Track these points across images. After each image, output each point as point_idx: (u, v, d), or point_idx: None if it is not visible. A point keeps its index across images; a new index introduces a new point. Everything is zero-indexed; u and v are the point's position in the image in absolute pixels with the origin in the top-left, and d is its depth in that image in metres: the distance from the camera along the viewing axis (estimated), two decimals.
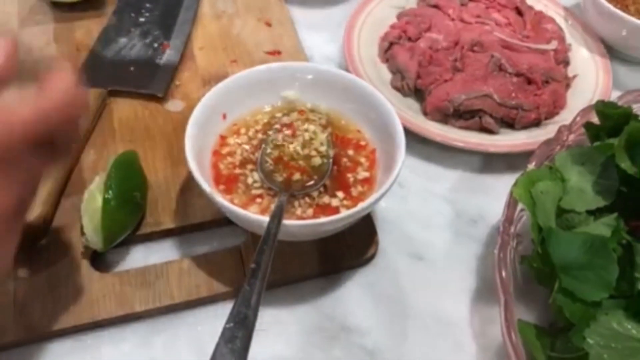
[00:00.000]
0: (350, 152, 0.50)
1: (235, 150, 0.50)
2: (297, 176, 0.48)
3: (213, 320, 0.46)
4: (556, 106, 0.61)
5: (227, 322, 0.33)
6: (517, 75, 0.60)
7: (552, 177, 0.46)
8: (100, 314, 0.44)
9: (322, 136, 0.50)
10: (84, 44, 0.63)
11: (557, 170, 0.47)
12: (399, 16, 0.69)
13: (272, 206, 0.46)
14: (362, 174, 0.49)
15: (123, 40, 0.63)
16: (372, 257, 0.50)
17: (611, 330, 0.39)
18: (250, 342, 0.33)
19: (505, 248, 0.43)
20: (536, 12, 0.69)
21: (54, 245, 0.47)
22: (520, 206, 0.46)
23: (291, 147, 0.49)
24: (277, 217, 0.41)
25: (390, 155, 0.47)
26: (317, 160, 0.49)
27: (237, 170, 0.48)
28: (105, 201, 0.45)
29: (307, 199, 0.47)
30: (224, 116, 0.50)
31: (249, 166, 0.49)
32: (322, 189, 0.48)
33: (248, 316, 0.33)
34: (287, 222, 0.42)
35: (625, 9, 0.67)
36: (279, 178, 0.47)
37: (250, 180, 0.48)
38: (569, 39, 0.68)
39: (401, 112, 0.57)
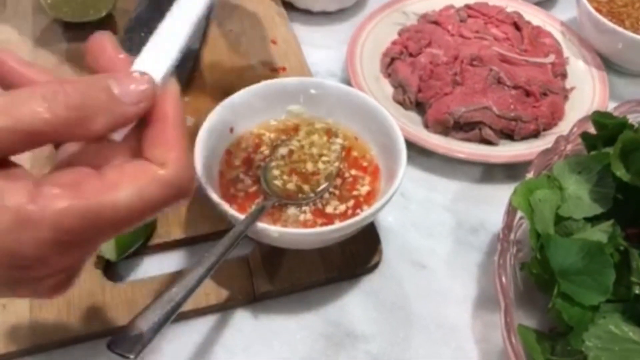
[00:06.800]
0: (353, 165, 0.52)
1: (242, 164, 0.52)
2: (300, 185, 0.50)
3: (222, 328, 0.47)
4: (554, 117, 0.63)
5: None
6: (516, 88, 0.62)
7: (550, 185, 0.47)
8: (112, 322, 0.46)
9: (332, 147, 0.52)
10: None
11: (555, 179, 0.48)
12: (400, 32, 0.71)
13: (283, 217, 0.47)
14: (365, 185, 0.50)
15: (134, 59, 0.65)
16: (376, 265, 0.52)
17: (609, 333, 0.40)
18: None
19: (505, 254, 0.45)
20: (534, 27, 0.71)
21: None
22: (519, 214, 0.47)
23: (297, 157, 0.51)
24: (252, 216, 0.43)
25: (392, 166, 0.49)
26: (321, 167, 0.51)
27: (244, 181, 0.50)
28: None
29: (312, 208, 0.48)
30: (232, 129, 0.52)
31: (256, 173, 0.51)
32: (326, 198, 0.49)
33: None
34: (293, 230, 0.44)
35: (620, 23, 0.69)
36: (282, 187, 0.49)
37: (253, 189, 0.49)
38: (566, 52, 0.70)
39: (403, 125, 0.59)
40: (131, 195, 0.26)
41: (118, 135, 0.28)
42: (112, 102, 0.27)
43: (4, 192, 0.24)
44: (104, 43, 0.29)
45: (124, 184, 0.26)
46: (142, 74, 0.28)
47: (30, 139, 0.25)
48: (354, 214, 0.48)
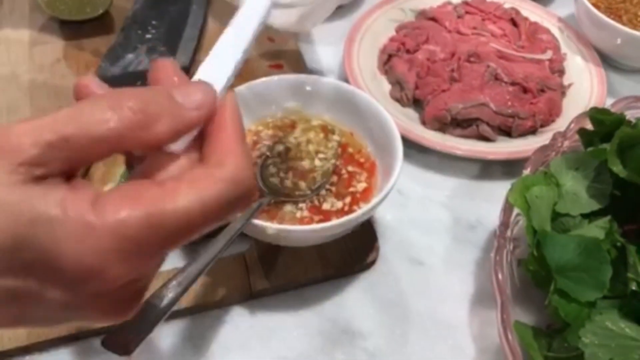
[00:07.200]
0: (350, 162, 0.52)
1: None
2: (297, 182, 0.49)
3: (218, 325, 0.47)
4: (552, 114, 0.63)
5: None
6: (513, 84, 0.62)
7: (547, 182, 0.47)
8: None
9: (329, 144, 0.52)
10: (93, 60, 0.65)
11: (552, 175, 0.48)
12: (398, 29, 0.70)
13: (280, 214, 0.47)
14: (362, 181, 0.50)
15: (130, 57, 0.65)
16: (373, 262, 0.52)
17: (605, 330, 0.40)
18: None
19: (501, 251, 0.44)
20: (531, 23, 0.71)
21: None
22: (516, 211, 0.47)
23: (294, 154, 0.51)
24: (249, 213, 0.42)
25: (389, 162, 0.49)
26: (318, 164, 0.50)
27: None
28: None
29: (309, 205, 0.48)
30: None
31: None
32: (323, 195, 0.49)
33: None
34: (289, 227, 0.44)
35: (618, 18, 0.69)
36: (278, 184, 0.49)
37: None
38: (563, 48, 0.70)
39: (400, 122, 0.58)
40: (191, 198, 0.26)
41: (179, 145, 0.28)
42: (174, 106, 0.27)
43: (67, 202, 0.24)
44: (165, 66, 0.30)
45: (182, 189, 0.26)
46: (202, 82, 0.29)
47: (97, 145, 0.25)
48: (350, 211, 0.48)
